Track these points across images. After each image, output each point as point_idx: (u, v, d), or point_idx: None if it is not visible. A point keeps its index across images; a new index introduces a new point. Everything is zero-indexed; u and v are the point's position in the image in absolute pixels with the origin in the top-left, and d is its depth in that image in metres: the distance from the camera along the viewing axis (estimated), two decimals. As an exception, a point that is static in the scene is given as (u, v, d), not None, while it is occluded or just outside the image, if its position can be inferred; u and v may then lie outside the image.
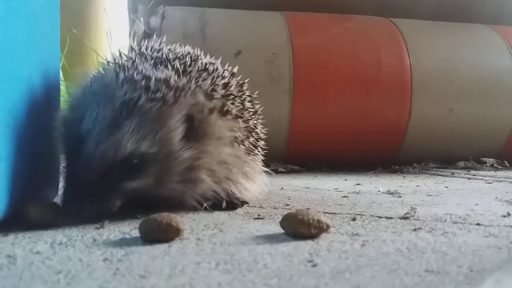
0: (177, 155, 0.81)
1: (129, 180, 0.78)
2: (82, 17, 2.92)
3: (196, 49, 1.01)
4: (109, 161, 0.76)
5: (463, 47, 2.11)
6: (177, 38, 1.78)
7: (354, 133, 1.95)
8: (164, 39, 1.00)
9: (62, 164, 0.90)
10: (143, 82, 0.80)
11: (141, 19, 1.94)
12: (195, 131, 0.84)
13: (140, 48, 0.94)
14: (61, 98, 1.01)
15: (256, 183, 0.99)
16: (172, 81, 0.83)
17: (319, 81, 1.89)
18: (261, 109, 1.06)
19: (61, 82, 1.16)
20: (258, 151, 1.02)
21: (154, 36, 1.02)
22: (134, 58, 0.88)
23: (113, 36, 2.75)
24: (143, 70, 0.82)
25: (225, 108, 0.91)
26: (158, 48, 0.95)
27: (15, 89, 0.76)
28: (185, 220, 0.80)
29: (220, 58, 1.02)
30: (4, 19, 0.72)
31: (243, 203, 0.97)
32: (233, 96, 0.95)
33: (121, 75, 0.81)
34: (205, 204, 0.89)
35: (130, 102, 0.78)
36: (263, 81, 1.80)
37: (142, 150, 0.78)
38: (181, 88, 0.83)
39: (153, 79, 0.81)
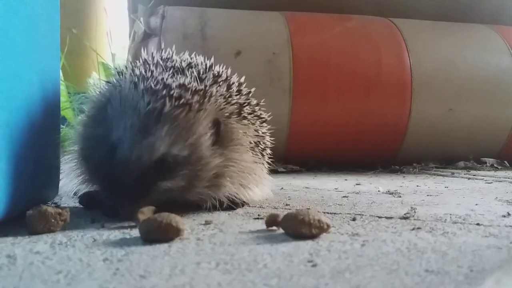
0: (207, 160, 0.85)
1: (163, 181, 0.81)
2: (82, 17, 2.93)
3: (203, 57, 1.01)
4: (144, 163, 0.78)
5: (463, 47, 2.11)
6: (177, 38, 1.78)
7: (354, 133, 1.95)
8: (163, 45, 1.00)
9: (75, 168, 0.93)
10: (164, 91, 0.81)
11: (141, 19, 1.94)
12: (221, 136, 0.87)
13: (154, 59, 0.95)
14: (61, 98, 1.01)
15: (262, 189, 1.01)
16: (192, 87, 0.85)
17: (319, 81, 1.89)
18: (263, 110, 1.07)
19: (61, 82, 1.16)
20: (265, 160, 1.03)
21: (158, 41, 1.03)
22: (151, 69, 0.89)
23: (113, 36, 2.75)
24: (162, 79, 0.84)
25: (242, 114, 0.93)
26: (167, 57, 0.96)
27: (15, 89, 0.76)
28: (185, 220, 0.80)
29: (219, 56, 1.02)
30: (4, 19, 0.72)
31: (243, 203, 0.97)
32: (246, 104, 0.97)
33: (141, 86, 0.83)
34: (225, 205, 0.91)
35: (155, 111, 0.80)
36: (263, 81, 1.80)
37: (174, 153, 0.80)
38: (203, 93, 0.85)
39: (173, 87, 0.82)
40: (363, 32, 2.03)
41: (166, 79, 0.84)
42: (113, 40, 2.74)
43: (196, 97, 0.84)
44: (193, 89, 0.84)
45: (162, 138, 0.79)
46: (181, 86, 0.83)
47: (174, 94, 0.81)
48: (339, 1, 2.20)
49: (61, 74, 1.35)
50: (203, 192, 0.88)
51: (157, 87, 0.82)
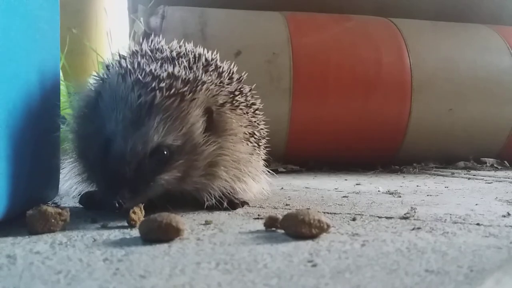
0: (201, 149, 0.84)
1: (160, 172, 0.81)
2: (82, 17, 2.92)
3: (198, 46, 1.01)
4: (140, 155, 0.78)
5: (463, 47, 2.11)
6: (177, 38, 1.78)
7: (354, 133, 1.95)
8: (161, 39, 1.00)
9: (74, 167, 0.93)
10: (154, 83, 0.81)
11: (141, 19, 1.94)
12: (214, 124, 0.87)
13: (142, 49, 0.94)
14: (61, 98, 1.01)
15: (259, 183, 1.00)
16: (183, 76, 0.84)
17: (319, 80, 1.90)
18: (261, 107, 1.06)
19: (61, 82, 1.16)
20: (260, 150, 1.02)
21: (152, 36, 1.02)
22: (139, 60, 0.88)
23: (113, 36, 2.75)
24: (152, 70, 0.83)
25: (235, 103, 0.93)
26: (157, 47, 0.95)
27: (15, 89, 0.76)
28: (185, 220, 0.80)
29: (219, 56, 1.02)
30: (4, 19, 0.72)
31: (243, 203, 0.97)
32: (238, 92, 0.96)
33: (129, 78, 0.82)
34: (225, 204, 0.91)
35: (146, 104, 0.79)
36: (263, 81, 1.80)
37: (168, 142, 0.80)
38: (193, 82, 0.85)
39: (163, 77, 0.82)
40: (363, 32, 2.03)
41: (155, 70, 0.83)
42: (113, 40, 2.74)
43: (187, 86, 0.83)
44: (183, 78, 0.84)
45: (155, 128, 0.79)
46: (171, 75, 0.83)
47: (164, 86, 0.81)
48: (339, 1, 2.20)
49: (61, 74, 1.34)
50: (199, 182, 0.87)
51: (146, 79, 0.81)
